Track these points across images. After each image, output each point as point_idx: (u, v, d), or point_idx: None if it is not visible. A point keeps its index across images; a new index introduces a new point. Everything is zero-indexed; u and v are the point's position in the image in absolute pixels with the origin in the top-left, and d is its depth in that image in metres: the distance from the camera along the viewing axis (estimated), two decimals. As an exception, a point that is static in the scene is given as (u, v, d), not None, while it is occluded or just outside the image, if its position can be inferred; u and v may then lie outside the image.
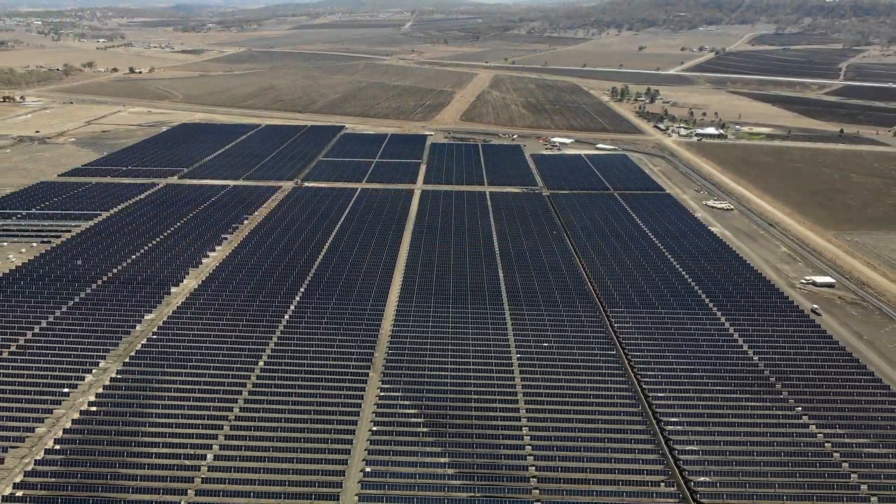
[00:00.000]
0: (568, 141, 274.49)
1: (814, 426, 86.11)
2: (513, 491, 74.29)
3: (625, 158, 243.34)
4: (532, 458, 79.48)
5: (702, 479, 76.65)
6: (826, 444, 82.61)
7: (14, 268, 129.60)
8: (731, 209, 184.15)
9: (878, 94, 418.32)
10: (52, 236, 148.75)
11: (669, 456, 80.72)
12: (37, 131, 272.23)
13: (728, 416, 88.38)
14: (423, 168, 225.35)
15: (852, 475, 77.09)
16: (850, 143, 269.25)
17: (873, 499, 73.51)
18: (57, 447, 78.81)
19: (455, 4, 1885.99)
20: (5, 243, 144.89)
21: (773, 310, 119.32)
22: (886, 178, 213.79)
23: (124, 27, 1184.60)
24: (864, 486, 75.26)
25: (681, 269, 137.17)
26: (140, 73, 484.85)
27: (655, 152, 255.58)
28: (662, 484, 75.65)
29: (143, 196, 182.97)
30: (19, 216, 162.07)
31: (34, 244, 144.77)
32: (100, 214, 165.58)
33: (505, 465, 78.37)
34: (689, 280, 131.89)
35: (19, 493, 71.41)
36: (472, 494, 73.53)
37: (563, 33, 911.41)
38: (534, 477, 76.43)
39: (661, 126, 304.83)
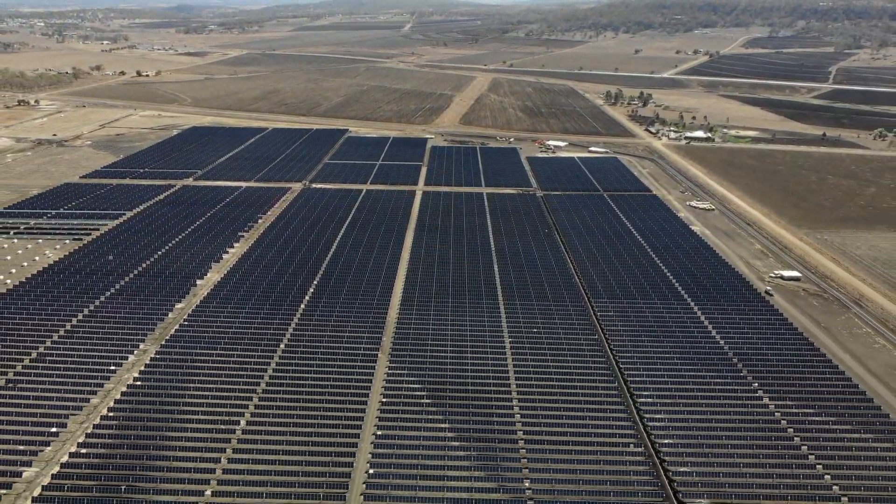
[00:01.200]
0: (562, 144, 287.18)
1: (767, 398, 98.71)
2: (504, 451, 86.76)
3: (615, 161, 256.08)
4: (520, 424, 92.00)
5: (666, 441, 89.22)
6: (776, 414, 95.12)
7: (52, 262, 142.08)
8: (713, 209, 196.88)
9: (864, 97, 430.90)
10: (82, 234, 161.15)
11: (640, 423, 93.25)
12: (54, 134, 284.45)
13: (693, 391, 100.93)
14: (423, 170, 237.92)
15: (795, 438, 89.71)
16: (831, 146, 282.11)
17: (811, 457, 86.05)
18: (111, 414, 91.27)
19: (454, 5, 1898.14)
20: (40, 240, 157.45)
21: (742, 301, 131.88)
22: (860, 180, 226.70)
23: (126, 28, 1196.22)
24: (804, 447, 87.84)
25: (661, 265, 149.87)
26: (147, 76, 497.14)
27: (645, 155, 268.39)
28: (632, 445, 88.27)
29: (161, 197, 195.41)
30: (49, 215, 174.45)
31: (67, 241, 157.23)
32: (124, 214, 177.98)
33: (497, 430, 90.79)
34: (668, 274, 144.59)
35: (83, 451, 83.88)
36: (469, 453, 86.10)
37: (561, 36, 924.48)
38: (521, 440, 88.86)
39: (652, 129, 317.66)
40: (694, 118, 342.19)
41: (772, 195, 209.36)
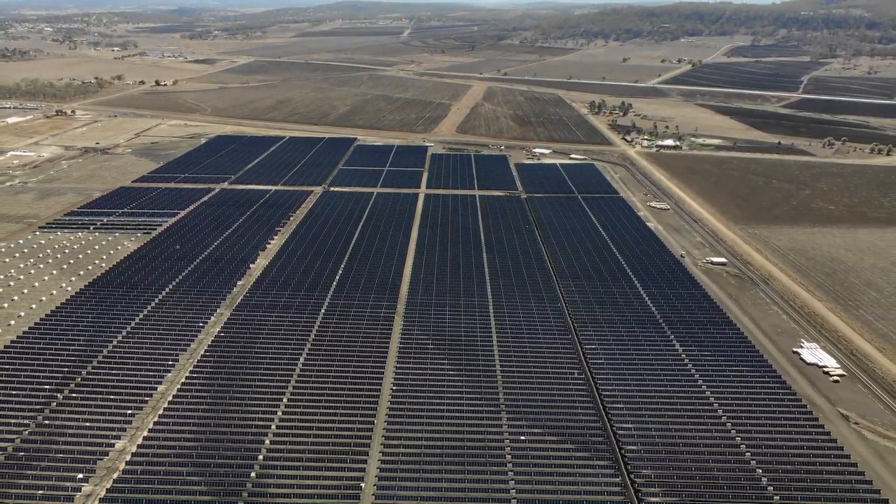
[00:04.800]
0: (547, 151, 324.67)
1: (678, 345, 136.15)
2: (485, 378, 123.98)
3: (592, 167, 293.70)
4: (498, 357, 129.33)
5: (602, 372, 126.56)
6: (682, 355, 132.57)
7: (133, 251, 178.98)
8: (668, 209, 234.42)
9: (828, 107, 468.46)
10: (150, 228, 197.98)
11: (584, 362, 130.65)
12: (97, 143, 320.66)
13: (626, 341, 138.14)
14: (425, 175, 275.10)
15: (692, 369, 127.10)
16: (783, 153, 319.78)
17: (700, 381, 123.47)
18: (208, 355, 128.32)
19: (451, 8, 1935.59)
20: (117, 234, 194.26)
21: (676, 280, 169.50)
22: (800, 184, 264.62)
23: (132, 34, 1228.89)
24: (696, 375, 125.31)
25: (616, 253, 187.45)
26: (165, 85, 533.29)
27: (618, 161, 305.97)
28: (576, 373, 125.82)
29: (205, 198, 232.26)
30: (117, 214, 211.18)
31: (138, 234, 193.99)
32: (178, 213, 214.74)
33: (481, 364, 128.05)
34: (621, 260, 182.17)
35: (195, 375, 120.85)
36: (461, 378, 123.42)
37: (554, 43, 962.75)
38: (498, 370, 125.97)
39: (628, 138, 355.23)
40: (667, 127, 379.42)
41: (720, 197, 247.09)
